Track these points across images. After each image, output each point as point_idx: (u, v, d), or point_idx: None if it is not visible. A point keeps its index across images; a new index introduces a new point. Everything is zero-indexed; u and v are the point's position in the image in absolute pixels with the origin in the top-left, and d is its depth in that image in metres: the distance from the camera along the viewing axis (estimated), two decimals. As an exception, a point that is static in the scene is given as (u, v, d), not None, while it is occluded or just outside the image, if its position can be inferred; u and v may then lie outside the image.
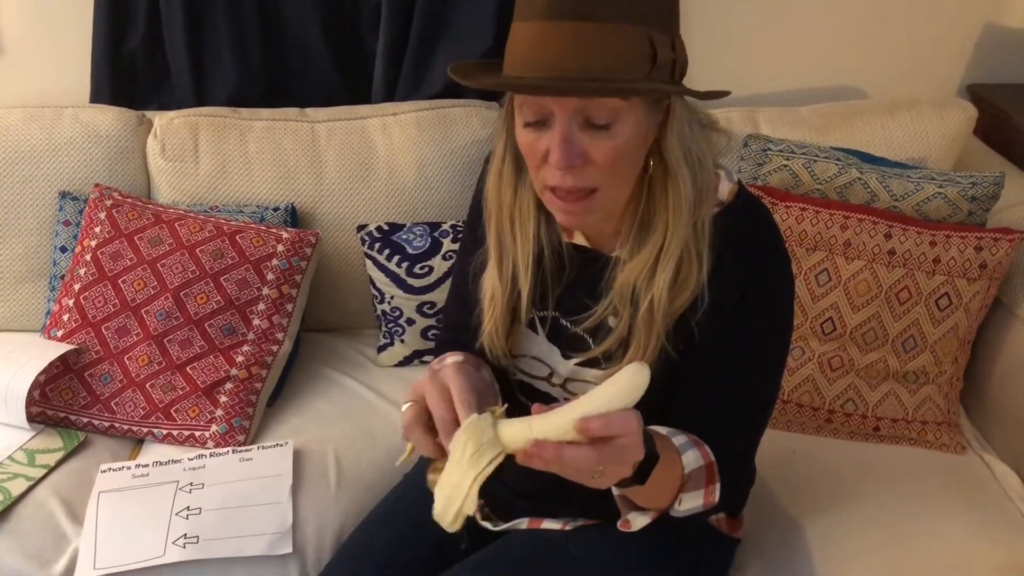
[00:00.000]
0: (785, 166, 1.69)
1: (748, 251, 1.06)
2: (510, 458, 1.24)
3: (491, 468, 0.88)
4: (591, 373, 1.13)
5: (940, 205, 1.62)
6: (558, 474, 0.87)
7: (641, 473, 0.93)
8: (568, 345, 1.13)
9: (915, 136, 1.84)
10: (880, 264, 1.58)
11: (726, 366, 1.08)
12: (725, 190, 1.07)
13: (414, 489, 1.34)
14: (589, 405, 0.86)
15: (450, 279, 1.33)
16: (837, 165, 1.68)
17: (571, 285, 1.11)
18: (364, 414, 1.64)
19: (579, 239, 1.11)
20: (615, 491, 1.01)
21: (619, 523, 1.02)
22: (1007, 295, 1.63)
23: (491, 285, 1.12)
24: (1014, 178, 1.82)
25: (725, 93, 1.01)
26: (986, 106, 2.04)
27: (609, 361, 1.09)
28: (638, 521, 1.01)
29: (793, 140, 1.76)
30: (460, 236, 1.33)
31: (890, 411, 1.60)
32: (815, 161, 1.69)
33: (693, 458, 1.03)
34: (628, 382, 0.86)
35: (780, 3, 2.04)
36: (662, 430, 1.04)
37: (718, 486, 1.06)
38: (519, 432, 0.87)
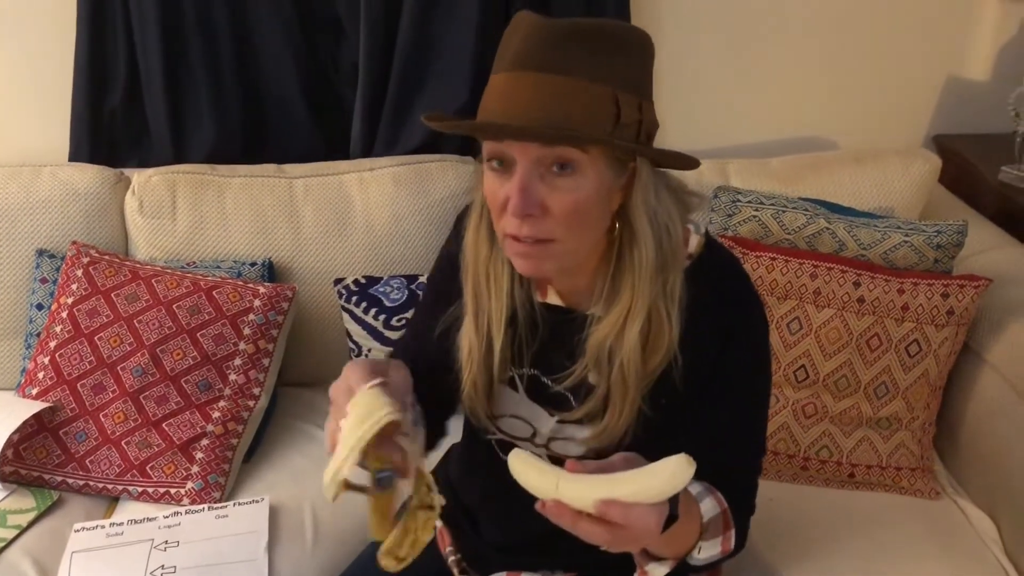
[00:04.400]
0: (755, 217, 1.72)
1: (722, 300, 1.07)
2: (490, 510, 1.23)
3: (373, 430, 0.87)
4: (573, 430, 1.12)
5: (907, 253, 1.66)
6: None
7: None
8: (550, 403, 1.13)
9: (881, 186, 1.88)
10: (850, 312, 1.60)
11: (719, 414, 1.08)
12: (694, 243, 1.08)
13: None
14: (621, 487, 0.86)
15: None
16: (805, 215, 1.71)
17: (545, 345, 1.11)
18: (341, 468, 1.63)
19: (553, 298, 1.11)
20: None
21: None
22: (975, 341, 1.66)
23: (468, 340, 1.11)
24: (978, 226, 1.86)
25: (690, 160, 1.01)
26: (951, 155, 2.09)
27: (591, 420, 1.09)
28: (657, 572, 1.00)
29: (762, 191, 1.79)
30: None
31: (864, 457, 1.61)
32: (784, 211, 1.72)
33: (710, 505, 1.03)
34: (668, 475, 0.85)
35: (751, 58, 2.09)
36: None
37: (734, 532, 1.06)
38: (545, 483, 0.88)
